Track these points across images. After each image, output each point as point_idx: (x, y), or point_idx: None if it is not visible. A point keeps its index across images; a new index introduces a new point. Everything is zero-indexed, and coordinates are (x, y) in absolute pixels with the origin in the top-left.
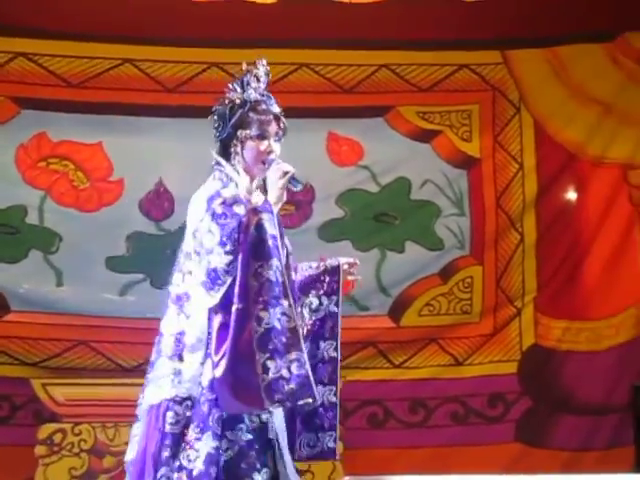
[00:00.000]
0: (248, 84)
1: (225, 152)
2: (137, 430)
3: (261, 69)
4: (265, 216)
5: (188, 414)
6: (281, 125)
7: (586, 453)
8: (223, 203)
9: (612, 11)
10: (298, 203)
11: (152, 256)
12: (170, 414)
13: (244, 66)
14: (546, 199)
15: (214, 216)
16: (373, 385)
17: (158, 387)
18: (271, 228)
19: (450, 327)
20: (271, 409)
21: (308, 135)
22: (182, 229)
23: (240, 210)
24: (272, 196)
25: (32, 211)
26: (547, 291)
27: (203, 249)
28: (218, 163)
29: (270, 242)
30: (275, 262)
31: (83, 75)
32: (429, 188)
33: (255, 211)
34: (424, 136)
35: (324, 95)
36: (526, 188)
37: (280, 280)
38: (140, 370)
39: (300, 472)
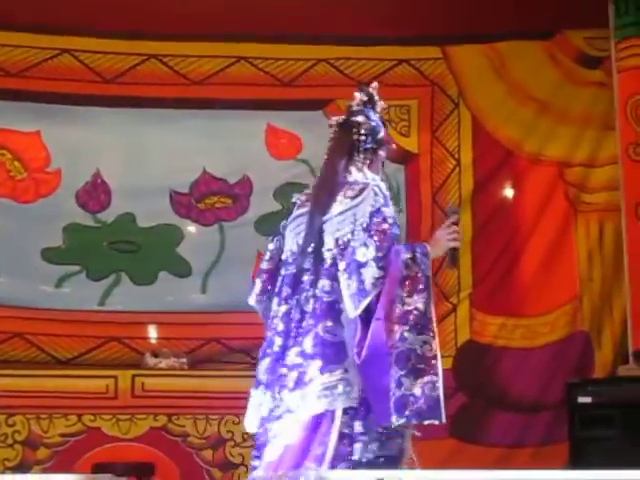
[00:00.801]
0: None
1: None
2: (285, 431)
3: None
4: (420, 256)
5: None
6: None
7: (520, 449)
8: (385, 221)
9: (551, 9)
10: (235, 196)
11: (88, 248)
12: (342, 420)
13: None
14: (482, 196)
15: (373, 232)
16: None
17: (325, 397)
18: (427, 270)
19: None
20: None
21: (247, 127)
22: (119, 221)
23: (397, 231)
24: (433, 249)
25: None
26: (483, 287)
27: (354, 261)
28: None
29: (424, 282)
30: (425, 295)
31: (22, 64)
32: None
33: (413, 247)
34: None
35: (263, 88)
36: (463, 184)
37: (429, 313)
38: (75, 363)
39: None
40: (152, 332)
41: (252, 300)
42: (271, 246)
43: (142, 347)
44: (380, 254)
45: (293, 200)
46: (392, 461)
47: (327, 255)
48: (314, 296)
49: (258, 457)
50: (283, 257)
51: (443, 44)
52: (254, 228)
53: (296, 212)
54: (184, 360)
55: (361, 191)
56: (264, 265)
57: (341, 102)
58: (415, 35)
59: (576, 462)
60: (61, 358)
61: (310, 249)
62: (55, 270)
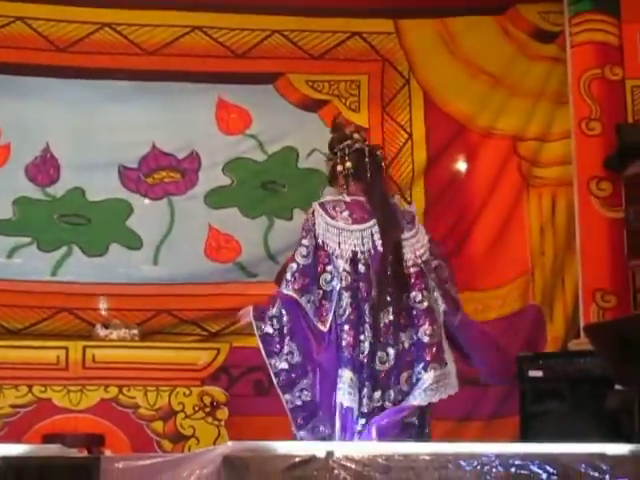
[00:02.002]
0: None
1: None
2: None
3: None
4: None
5: None
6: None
7: (470, 423)
8: None
9: None
10: (184, 171)
11: (39, 221)
12: None
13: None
14: (435, 169)
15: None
16: (259, 352)
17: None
18: None
19: None
20: None
21: (197, 101)
22: (68, 195)
23: None
24: None
25: None
26: None
27: (437, 279)
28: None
29: None
30: None
31: None
32: (317, 157)
33: None
34: (312, 105)
35: (216, 59)
36: (415, 158)
37: None
38: (26, 333)
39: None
40: (103, 303)
41: (290, 291)
42: (306, 242)
43: (93, 318)
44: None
45: (317, 209)
46: None
47: (412, 270)
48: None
49: None
50: (328, 258)
51: (396, 17)
52: (203, 202)
53: (347, 225)
54: (135, 332)
55: (414, 219)
56: (302, 260)
57: (291, 76)
58: (368, 8)
59: (526, 436)
60: (12, 328)
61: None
62: (6, 241)
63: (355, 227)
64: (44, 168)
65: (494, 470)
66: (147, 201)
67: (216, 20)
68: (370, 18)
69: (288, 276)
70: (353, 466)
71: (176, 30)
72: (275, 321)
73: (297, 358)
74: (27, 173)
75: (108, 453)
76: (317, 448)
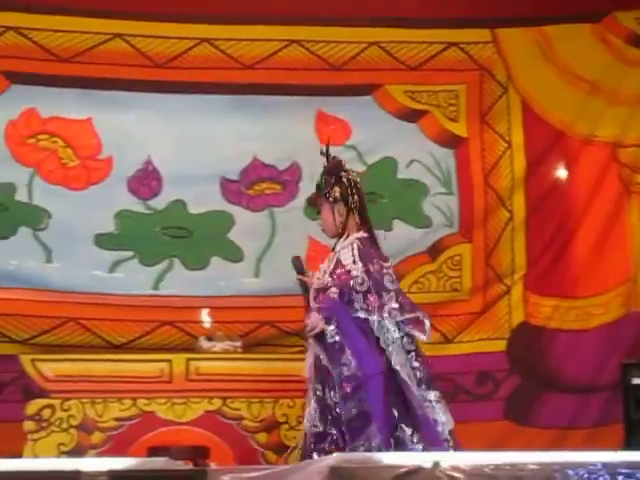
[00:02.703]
0: None
1: None
2: None
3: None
4: None
5: None
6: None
7: (573, 431)
8: None
9: None
10: (285, 182)
11: (140, 234)
12: None
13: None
14: (535, 177)
15: None
16: None
17: None
18: None
19: (439, 305)
20: None
21: (297, 113)
22: (170, 208)
23: None
24: None
25: (21, 188)
26: (536, 269)
27: None
28: None
29: None
30: None
31: (74, 50)
32: (416, 167)
33: None
34: (411, 116)
35: (314, 72)
36: (515, 166)
37: None
38: (129, 347)
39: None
40: (206, 316)
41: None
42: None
43: (196, 331)
44: None
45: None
46: None
47: None
48: None
49: None
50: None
51: (492, 27)
52: (303, 213)
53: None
54: (238, 343)
55: None
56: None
57: (390, 87)
58: (465, 18)
59: (631, 443)
60: (115, 342)
61: None
62: (108, 255)
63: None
64: (146, 181)
65: (601, 479)
66: (248, 213)
67: (313, 33)
68: (467, 28)
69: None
70: (460, 476)
71: (274, 44)
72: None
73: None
74: (129, 186)
75: (213, 465)
76: (423, 458)
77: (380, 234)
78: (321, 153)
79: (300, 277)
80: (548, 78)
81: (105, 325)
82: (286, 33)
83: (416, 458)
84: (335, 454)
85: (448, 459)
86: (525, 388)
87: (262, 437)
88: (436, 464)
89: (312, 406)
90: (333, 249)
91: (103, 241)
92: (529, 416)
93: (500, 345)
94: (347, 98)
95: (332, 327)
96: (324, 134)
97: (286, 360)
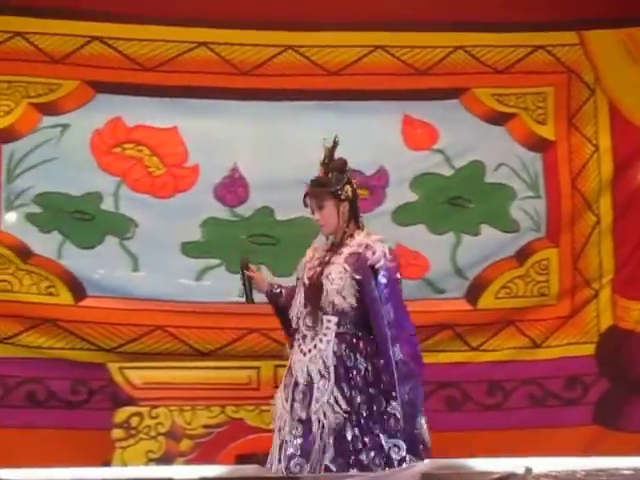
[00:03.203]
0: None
1: None
2: None
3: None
4: None
5: None
6: (326, 191)
7: None
8: None
9: None
10: (372, 188)
11: (227, 242)
12: None
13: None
14: (622, 180)
15: None
16: (451, 367)
17: None
18: None
19: (527, 309)
20: None
21: (383, 118)
22: (257, 215)
23: None
24: None
25: (108, 197)
26: (625, 272)
27: None
28: None
29: None
30: None
31: (158, 58)
32: (504, 171)
33: None
34: (499, 119)
35: (399, 77)
36: (602, 169)
37: None
38: (217, 354)
39: None
40: None
41: None
42: None
43: (283, 338)
44: None
45: None
46: None
47: None
48: None
49: None
50: None
51: (579, 29)
52: (391, 219)
53: None
54: None
55: None
56: None
57: (477, 90)
58: (551, 20)
59: None
60: (203, 350)
61: None
62: (195, 263)
63: None
64: (232, 188)
65: None
66: None
67: (398, 39)
68: (553, 31)
69: None
70: None
71: (358, 50)
72: None
73: None
74: (215, 194)
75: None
76: (516, 464)
77: None
78: (327, 150)
79: (248, 273)
80: (635, 80)
81: (192, 333)
82: (371, 39)
83: (508, 464)
84: (427, 460)
85: (540, 465)
86: (614, 392)
87: None
88: (528, 470)
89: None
90: (330, 249)
91: (189, 249)
92: (618, 420)
93: (589, 349)
94: (433, 102)
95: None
96: (411, 138)
97: None
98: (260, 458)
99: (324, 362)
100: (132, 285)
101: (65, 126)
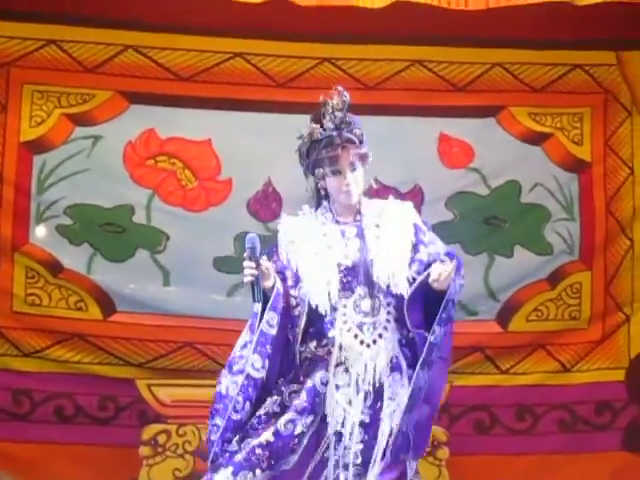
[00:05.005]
0: (324, 117)
1: (317, 188)
2: None
3: (336, 98)
4: None
5: None
6: (358, 152)
7: None
8: None
9: None
10: None
11: (260, 257)
12: None
13: (321, 98)
14: None
15: None
16: (480, 390)
17: None
18: None
19: (558, 333)
20: None
21: (419, 134)
22: None
23: None
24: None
25: (139, 210)
26: None
27: None
28: None
29: None
30: None
31: (193, 69)
32: (539, 192)
33: None
34: (535, 138)
35: (437, 93)
36: (637, 194)
37: None
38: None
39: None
40: None
41: None
42: None
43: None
44: None
45: None
46: None
47: None
48: None
49: None
50: None
51: (617, 49)
52: None
53: None
54: None
55: None
56: None
57: (514, 109)
58: (589, 39)
59: None
60: None
61: None
62: (227, 279)
63: None
64: (266, 203)
65: None
66: None
67: (436, 54)
68: (591, 50)
69: None
70: None
71: (396, 64)
72: None
73: None
74: (249, 208)
75: None
76: None
77: None
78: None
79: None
80: None
81: (222, 350)
82: (408, 53)
83: None
84: None
85: None
86: None
87: None
88: None
89: None
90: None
91: (222, 264)
92: None
93: (619, 375)
94: (470, 120)
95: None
96: (447, 156)
97: None
98: None
99: None
100: (163, 300)
101: (98, 137)
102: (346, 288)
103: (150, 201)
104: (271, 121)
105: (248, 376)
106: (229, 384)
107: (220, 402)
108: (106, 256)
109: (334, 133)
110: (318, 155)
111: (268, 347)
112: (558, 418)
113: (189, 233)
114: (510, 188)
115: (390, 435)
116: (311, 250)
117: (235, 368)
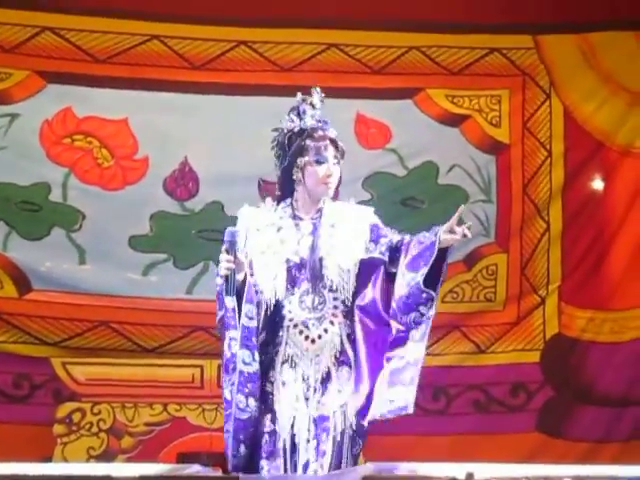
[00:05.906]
0: (304, 112)
1: (289, 180)
2: None
3: (316, 96)
4: None
5: None
6: (338, 148)
7: (606, 445)
8: None
9: None
10: None
11: (176, 236)
12: None
13: (298, 96)
14: (573, 188)
15: None
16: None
17: None
18: None
19: (474, 315)
20: None
21: (336, 116)
22: (207, 209)
23: None
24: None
25: (56, 188)
26: (572, 280)
27: None
28: None
29: None
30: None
31: (110, 51)
32: (457, 173)
33: None
34: (453, 120)
35: (353, 75)
36: (553, 176)
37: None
38: (161, 351)
39: None
40: None
41: None
42: None
43: None
44: None
45: None
46: None
47: None
48: None
49: None
50: None
51: (535, 33)
52: None
53: None
54: None
55: None
56: None
57: (431, 91)
58: (507, 23)
59: None
60: (147, 347)
61: None
62: (142, 258)
63: None
64: (183, 182)
65: None
66: None
67: (352, 37)
68: (508, 34)
69: None
70: None
71: (312, 47)
72: None
73: None
74: (165, 187)
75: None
76: (457, 470)
77: None
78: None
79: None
80: (591, 86)
81: (137, 329)
82: (325, 37)
83: (450, 470)
84: (369, 463)
85: (482, 471)
86: (558, 400)
87: None
88: (470, 476)
89: None
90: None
91: (138, 243)
92: (562, 428)
93: (534, 356)
94: (387, 102)
95: None
96: (364, 137)
97: None
98: (202, 457)
99: None
100: (78, 278)
101: (14, 115)
102: (293, 284)
103: (66, 179)
104: (188, 101)
105: (241, 373)
106: (229, 386)
107: (228, 408)
108: (22, 234)
109: (318, 126)
110: (302, 144)
111: (253, 339)
112: (473, 399)
113: (105, 212)
114: (427, 169)
115: (342, 429)
116: (264, 243)
117: (230, 367)
